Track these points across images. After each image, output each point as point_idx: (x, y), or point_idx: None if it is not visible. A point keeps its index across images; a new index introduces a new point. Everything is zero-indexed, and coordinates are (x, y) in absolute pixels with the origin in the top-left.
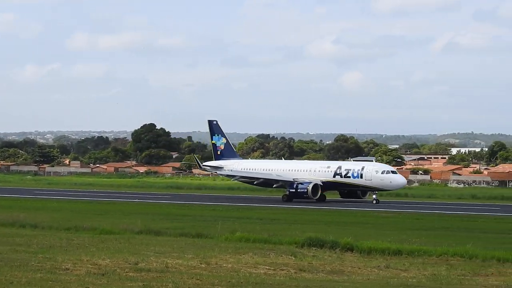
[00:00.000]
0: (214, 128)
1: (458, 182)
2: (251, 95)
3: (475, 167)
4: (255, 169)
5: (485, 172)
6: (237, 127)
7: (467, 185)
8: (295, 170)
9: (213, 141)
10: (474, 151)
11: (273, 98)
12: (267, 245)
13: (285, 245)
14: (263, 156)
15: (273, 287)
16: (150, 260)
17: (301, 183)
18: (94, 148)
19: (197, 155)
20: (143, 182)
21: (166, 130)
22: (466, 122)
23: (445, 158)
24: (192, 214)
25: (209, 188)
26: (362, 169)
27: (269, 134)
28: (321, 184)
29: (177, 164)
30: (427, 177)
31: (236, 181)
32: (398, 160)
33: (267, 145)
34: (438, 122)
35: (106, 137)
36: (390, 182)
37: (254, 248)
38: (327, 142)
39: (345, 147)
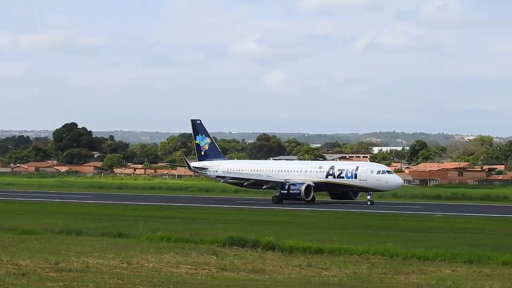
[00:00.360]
0: (197, 127)
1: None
2: (174, 95)
3: (397, 166)
4: (242, 170)
5: (406, 171)
6: (159, 126)
7: None
8: (285, 171)
9: (196, 141)
10: (396, 150)
11: (196, 97)
12: (189, 245)
13: (206, 245)
14: (186, 155)
15: (194, 286)
16: (71, 260)
17: (293, 184)
18: (15, 148)
19: (157, 154)
20: (64, 182)
21: (88, 129)
22: (387, 121)
23: (366, 157)
24: (114, 214)
25: (130, 188)
26: (357, 169)
27: (190, 133)
28: (313, 185)
29: (99, 164)
30: None
31: (225, 183)
32: (320, 159)
33: (189, 144)
34: (360, 121)
35: (27, 136)
36: (386, 182)
37: (175, 248)
38: (250, 141)
39: (267, 146)
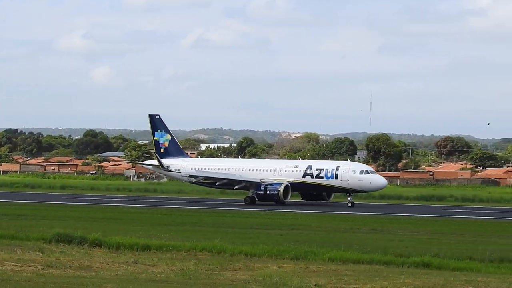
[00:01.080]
0: (156, 123)
1: None
2: None
3: None
4: (208, 169)
5: None
6: None
7: None
8: (258, 170)
9: (155, 138)
10: (223, 146)
11: (22, 92)
12: (14, 241)
13: (32, 241)
14: (11, 151)
15: (20, 283)
16: None
17: (271, 184)
18: None
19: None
20: None
21: None
22: (215, 118)
23: (194, 153)
24: None
25: None
26: (337, 168)
27: (17, 129)
28: (289, 185)
29: None
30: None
31: (196, 183)
32: (147, 155)
33: (15, 140)
34: (188, 117)
35: None
36: (370, 183)
37: (0, 244)
38: (76, 137)
39: (94, 143)
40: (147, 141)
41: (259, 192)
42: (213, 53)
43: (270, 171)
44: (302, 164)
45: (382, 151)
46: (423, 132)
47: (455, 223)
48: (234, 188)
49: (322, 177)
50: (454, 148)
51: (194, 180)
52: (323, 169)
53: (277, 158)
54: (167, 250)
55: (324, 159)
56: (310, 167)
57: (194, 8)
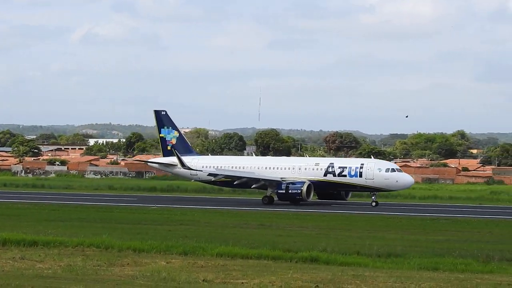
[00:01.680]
0: (163, 119)
1: (96, 173)
2: None
3: (112, 158)
4: (222, 167)
5: (122, 163)
6: None
7: (104, 176)
8: (276, 168)
9: (161, 135)
10: (112, 142)
11: None
12: None
13: None
14: None
15: None
16: None
17: (293, 183)
18: None
19: None
20: None
21: None
22: (104, 113)
23: (82, 149)
24: None
25: None
26: (361, 166)
27: None
28: (312, 184)
29: None
30: (64, 168)
31: (211, 183)
32: (35, 151)
33: None
34: (76, 113)
35: None
36: (397, 181)
37: None
38: None
39: None
40: (34, 136)
41: (280, 191)
42: (102, 48)
43: (289, 169)
44: (323, 162)
45: (271, 146)
46: (312, 127)
47: (343, 218)
48: (251, 187)
49: (345, 175)
50: (342, 143)
51: (213, 178)
52: (346, 167)
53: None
54: (54, 246)
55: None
56: (332, 165)
57: (83, 3)
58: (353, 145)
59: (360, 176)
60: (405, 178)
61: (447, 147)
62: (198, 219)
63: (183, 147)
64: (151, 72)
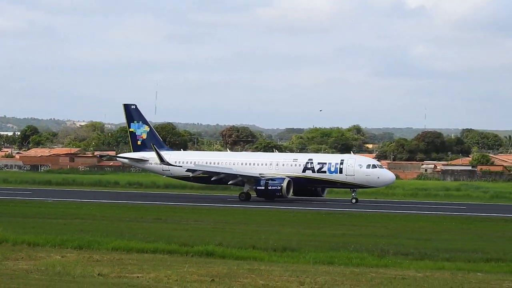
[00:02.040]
0: (132, 113)
1: None
2: None
3: (7, 151)
4: (197, 162)
5: (17, 156)
6: None
7: None
8: (252, 164)
9: (131, 129)
10: (7, 135)
11: None
12: None
13: None
14: None
15: None
16: None
17: (272, 179)
18: None
19: None
20: None
21: None
22: None
23: None
24: None
25: None
26: (341, 162)
27: None
28: (291, 180)
29: None
30: None
31: (189, 179)
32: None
33: None
34: None
35: None
36: (378, 178)
37: None
38: None
39: None
40: None
41: (260, 187)
42: None
43: (267, 165)
44: (302, 158)
45: (168, 140)
46: (209, 121)
47: (239, 212)
48: (228, 183)
49: (324, 172)
50: (239, 137)
51: (191, 174)
52: (325, 163)
53: (60, 147)
54: None
55: (109, 149)
56: (311, 161)
57: None
58: (249, 139)
59: (341, 172)
60: (387, 175)
61: (343, 141)
62: (93, 213)
63: (154, 142)
64: (46, 65)
